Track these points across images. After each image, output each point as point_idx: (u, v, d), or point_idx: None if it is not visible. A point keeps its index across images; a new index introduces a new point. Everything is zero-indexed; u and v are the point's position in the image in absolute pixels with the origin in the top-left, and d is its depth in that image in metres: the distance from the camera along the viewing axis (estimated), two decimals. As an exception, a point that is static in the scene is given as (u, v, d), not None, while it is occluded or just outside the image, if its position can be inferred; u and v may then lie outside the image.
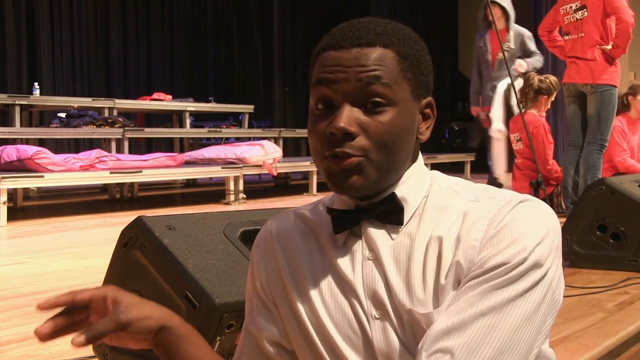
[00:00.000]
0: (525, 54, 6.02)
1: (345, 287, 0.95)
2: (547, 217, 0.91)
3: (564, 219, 3.34)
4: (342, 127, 0.89)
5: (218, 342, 1.46)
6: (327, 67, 0.92)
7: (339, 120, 0.90)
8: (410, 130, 0.95)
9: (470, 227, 0.90)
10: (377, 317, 0.92)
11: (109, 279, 1.66)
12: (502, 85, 5.91)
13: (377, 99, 0.91)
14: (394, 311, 0.91)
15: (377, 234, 0.94)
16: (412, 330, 0.90)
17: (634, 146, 5.78)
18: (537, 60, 6.11)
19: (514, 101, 5.63)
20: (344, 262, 0.95)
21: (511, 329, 0.84)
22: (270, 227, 1.05)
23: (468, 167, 9.04)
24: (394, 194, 0.95)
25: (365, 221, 0.95)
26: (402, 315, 0.90)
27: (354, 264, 0.95)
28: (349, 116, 0.90)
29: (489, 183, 5.68)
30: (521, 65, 5.89)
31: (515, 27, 5.98)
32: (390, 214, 0.94)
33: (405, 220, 0.94)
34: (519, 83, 5.50)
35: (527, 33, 5.98)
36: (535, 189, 4.62)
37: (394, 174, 0.95)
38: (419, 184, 0.97)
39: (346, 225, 0.96)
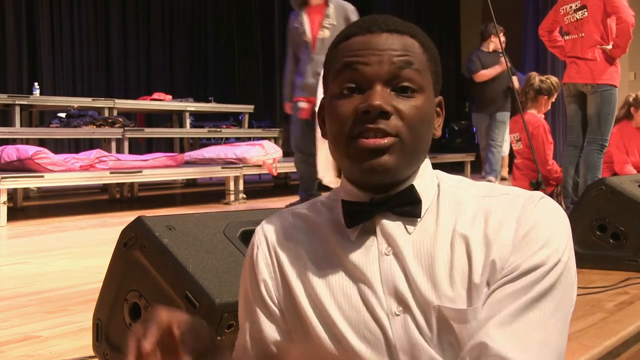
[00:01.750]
0: None
1: (360, 284, 0.92)
2: (564, 214, 0.93)
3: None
4: (379, 104, 0.88)
5: (218, 342, 1.46)
6: (356, 50, 0.92)
7: (375, 99, 0.89)
8: (433, 120, 0.96)
9: (499, 226, 0.90)
10: (397, 313, 0.90)
11: (109, 279, 1.66)
12: None
13: (408, 84, 0.91)
14: (417, 307, 0.89)
15: (394, 228, 0.93)
16: (438, 326, 0.89)
17: (635, 151, 5.79)
18: None
19: None
20: (357, 258, 0.93)
21: (558, 335, 0.86)
22: (268, 228, 1.02)
23: (468, 167, 9.05)
24: (412, 186, 0.94)
25: (378, 215, 0.93)
26: (428, 311, 0.89)
27: (369, 260, 0.93)
28: (383, 96, 0.90)
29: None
30: None
31: (335, 0, 5.11)
32: (408, 207, 0.93)
33: (422, 213, 0.94)
34: None
35: (350, 7, 5.09)
36: (535, 189, 4.62)
37: (417, 162, 0.95)
38: (431, 179, 0.97)
39: (359, 218, 0.94)
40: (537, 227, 0.89)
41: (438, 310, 0.88)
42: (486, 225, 0.91)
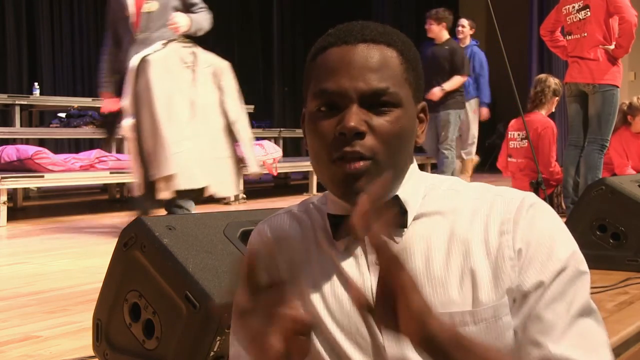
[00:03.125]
0: (186, 6, 4.21)
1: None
2: (555, 213, 0.96)
3: (564, 219, 3.34)
4: (354, 126, 0.88)
5: (218, 342, 1.46)
6: (332, 69, 0.91)
7: (350, 120, 0.88)
8: (413, 132, 0.95)
9: (499, 230, 0.90)
10: None
11: (109, 279, 1.66)
12: (136, 60, 3.90)
13: (385, 100, 0.90)
14: None
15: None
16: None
17: (635, 156, 5.79)
18: (205, 19, 4.29)
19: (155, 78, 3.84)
20: (349, 268, 0.93)
21: (601, 328, 0.92)
22: (266, 230, 1.01)
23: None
24: (397, 196, 0.93)
25: None
26: None
27: (360, 270, 0.92)
28: (358, 116, 0.89)
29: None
30: (177, 22, 4.03)
31: None
32: (394, 217, 0.91)
33: (408, 222, 0.93)
34: (170, 53, 3.96)
35: None
36: (535, 189, 4.62)
37: (397, 177, 0.94)
38: (417, 185, 0.97)
39: (347, 231, 0.93)
40: (543, 234, 0.90)
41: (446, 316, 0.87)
42: (485, 228, 0.91)
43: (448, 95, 6.29)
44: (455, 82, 6.23)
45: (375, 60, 0.90)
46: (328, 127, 0.90)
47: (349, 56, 0.90)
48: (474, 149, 7.32)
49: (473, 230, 0.91)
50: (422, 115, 0.98)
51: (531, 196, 0.94)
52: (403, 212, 0.93)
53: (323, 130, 0.91)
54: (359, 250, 0.93)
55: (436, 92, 6.11)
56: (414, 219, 0.94)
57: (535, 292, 0.88)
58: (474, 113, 7.23)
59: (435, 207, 0.95)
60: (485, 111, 7.26)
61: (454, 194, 0.96)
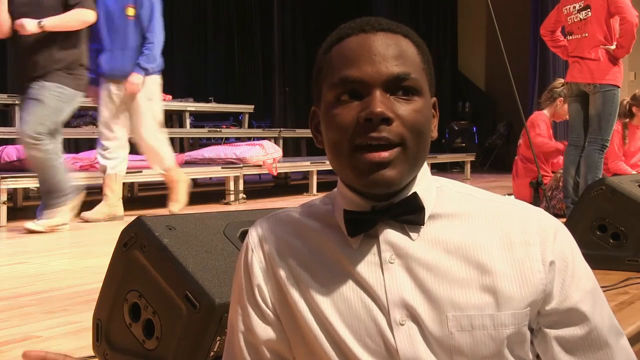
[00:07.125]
0: None
1: (363, 292, 0.91)
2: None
3: (564, 219, 3.34)
4: (381, 111, 0.86)
5: (218, 342, 1.46)
6: (352, 57, 0.89)
7: (376, 106, 0.86)
8: (431, 123, 0.94)
9: (521, 239, 0.91)
10: (402, 323, 0.88)
11: (109, 279, 1.66)
12: None
13: (408, 87, 0.89)
14: (427, 315, 0.88)
15: (397, 236, 0.91)
16: (450, 334, 0.87)
17: (634, 149, 5.78)
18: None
19: None
20: (360, 266, 0.91)
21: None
22: (262, 230, 0.99)
23: (468, 167, 9.04)
24: (415, 193, 0.92)
25: (381, 222, 0.92)
26: (440, 319, 0.88)
27: (372, 268, 0.91)
28: (384, 101, 0.87)
29: None
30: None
31: None
32: (411, 215, 0.91)
33: (425, 220, 0.92)
34: None
35: None
36: (535, 189, 4.63)
37: (419, 167, 0.93)
38: (429, 184, 0.96)
39: (362, 227, 0.92)
40: (574, 252, 0.93)
41: (451, 319, 0.87)
42: (506, 236, 0.91)
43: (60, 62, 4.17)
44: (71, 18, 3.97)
45: (395, 47, 0.90)
46: (349, 115, 0.88)
47: (369, 43, 0.89)
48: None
49: (493, 236, 0.91)
50: (433, 111, 0.97)
51: (544, 212, 0.96)
52: (420, 209, 0.92)
53: (344, 119, 0.89)
54: (373, 248, 0.92)
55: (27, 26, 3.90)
56: (428, 218, 0.93)
57: (573, 309, 0.90)
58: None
59: (450, 208, 0.94)
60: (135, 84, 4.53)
61: (468, 197, 0.95)
